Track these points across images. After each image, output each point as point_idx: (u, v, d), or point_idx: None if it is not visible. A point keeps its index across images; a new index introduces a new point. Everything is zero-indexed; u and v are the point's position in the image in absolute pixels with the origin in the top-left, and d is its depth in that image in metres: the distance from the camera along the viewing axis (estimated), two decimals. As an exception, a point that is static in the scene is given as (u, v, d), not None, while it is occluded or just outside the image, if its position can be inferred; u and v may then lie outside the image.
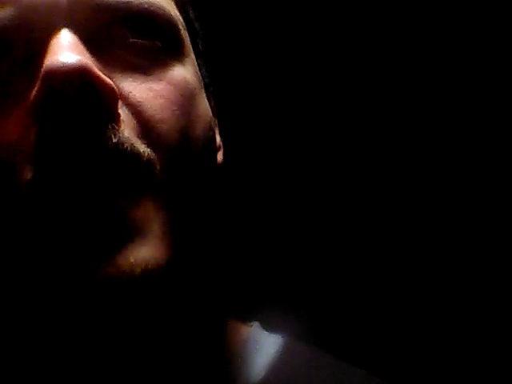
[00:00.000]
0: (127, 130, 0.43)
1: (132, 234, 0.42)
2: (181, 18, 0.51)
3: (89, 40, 0.45)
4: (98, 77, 0.42)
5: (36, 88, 0.43)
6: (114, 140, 0.42)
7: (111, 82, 0.43)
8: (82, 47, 0.44)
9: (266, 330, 0.57)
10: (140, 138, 0.44)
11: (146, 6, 0.47)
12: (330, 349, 0.57)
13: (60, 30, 0.44)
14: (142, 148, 0.43)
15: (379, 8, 1.00)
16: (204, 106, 0.50)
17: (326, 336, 0.75)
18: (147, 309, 0.44)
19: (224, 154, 0.56)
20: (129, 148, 0.42)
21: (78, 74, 0.41)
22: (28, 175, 0.42)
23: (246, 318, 0.58)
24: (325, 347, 0.57)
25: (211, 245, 0.52)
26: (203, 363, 0.51)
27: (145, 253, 0.42)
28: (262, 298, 0.93)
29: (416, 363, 0.96)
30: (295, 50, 1.01)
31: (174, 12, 0.50)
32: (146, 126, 0.44)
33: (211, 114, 0.52)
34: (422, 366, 0.96)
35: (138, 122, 0.44)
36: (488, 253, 0.98)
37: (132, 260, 0.41)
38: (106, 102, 0.42)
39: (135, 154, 0.43)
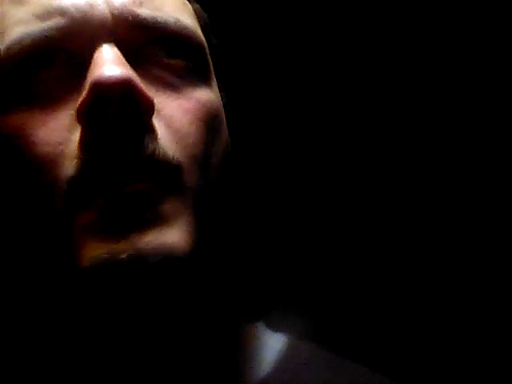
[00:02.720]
0: (160, 139, 0.47)
1: (160, 222, 0.46)
2: (206, 43, 0.55)
3: (129, 55, 0.49)
4: (140, 90, 0.46)
5: (83, 95, 0.46)
6: (150, 147, 0.47)
7: (150, 96, 0.47)
8: (125, 62, 0.48)
9: (271, 329, 0.58)
10: (170, 147, 0.48)
11: (181, 28, 0.52)
12: (333, 347, 0.58)
13: (104, 44, 0.49)
14: (172, 155, 0.48)
15: (381, 8, 1.00)
16: (224, 124, 0.55)
17: (328, 334, 0.75)
18: (167, 294, 0.47)
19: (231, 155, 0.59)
20: (161, 155, 0.47)
21: (122, 85, 0.46)
22: (70, 172, 0.46)
23: (252, 318, 0.58)
24: (328, 345, 0.58)
25: (226, 243, 0.55)
26: (211, 359, 0.52)
27: (170, 238, 0.46)
28: (267, 297, 0.94)
29: (417, 362, 0.97)
30: (295, 50, 1.01)
31: (202, 37, 0.55)
32: (175, 137, 0.49)
33: (227, 131, 0.56)
34: (422, 365, 0.97)
35: (169, 133, 0.49)
36: (488, 253, 0.98)
37: (158, 241, 0.46)
38: (144, 112, 0.47)
39: (166, 160, 0.47)
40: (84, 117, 0.46)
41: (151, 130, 0.47)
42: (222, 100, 0.56)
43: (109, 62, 0.47)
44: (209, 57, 0.55)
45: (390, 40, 1.00)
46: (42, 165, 0.47)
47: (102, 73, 0.46)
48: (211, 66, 0.55)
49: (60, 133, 0.47)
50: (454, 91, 1.00)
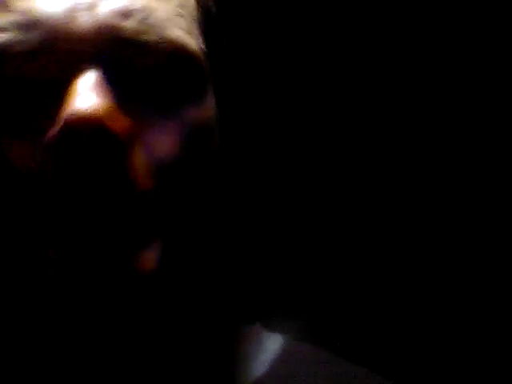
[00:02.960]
0: (137, 169, 0.46)
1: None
2: (204, 45, 0.52)
3: (111, 73, 0.47)
4: (114, 126, 0.45)
5: (56, 128, 0.45)
6: (122, 182, 0.45)
7: (127, 127, 0.46)
8: (104, 89, 0.46)
9: (268, 330, 0.58)
10: (148, 174, 0.47)
11: (170, 44, 0.49)
12: (331, 348, 0.58)
13: (85, 65, 0.47)
14: (148, 185, 0.46)
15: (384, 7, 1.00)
16: (214, 140, 0.52)
17: (326, 335, 0.75)
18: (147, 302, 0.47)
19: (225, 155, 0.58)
20: (136, 188, 0.46)
21: (95, 121, 0.44)
22: (44, 199, 0.45)
23: (249, 319, 0.58)
24: (325, 346, 0.58)
25: (218, 243, 0.54)
26: (207, 359, 0.52)
27: (150, 257, 0.46)
28: (264, 298, 0.94)
29: (416, 362, 0.96)
30: (296, 50, 1.01)
31: (199, 45, 0.51)
32: (156, 161, 0.47)
33: (217, 143, 0.54)
34: (421, 365, 0.96)
35: (149, 156, 0.47)
36: (488, 252, 0.98)
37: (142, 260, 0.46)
38: (118, 146, 0.45)
39: (141, 193, 0.46)
40: (53, 151, 0.45)
41: (126, 162, 0.46)
42: (218, 104, 0.54)
43: (85, 94, 0.45)
44: (205, 68, 0.51)
45: (390, 39, 1.00)
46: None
47: (76, 107, 0.44)
48: (204, 76, 0.51)
49: (32, 157, 0.46)
50: (454, 91, 1.00)
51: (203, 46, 0.52)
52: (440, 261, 0.98)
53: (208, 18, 0.55)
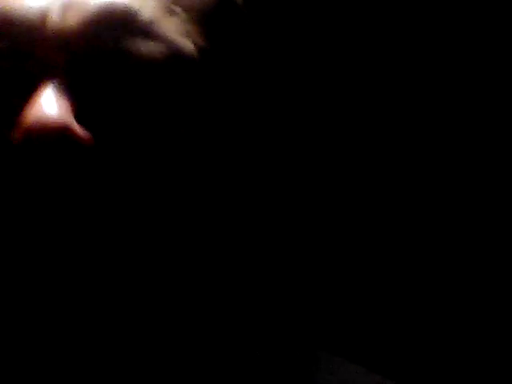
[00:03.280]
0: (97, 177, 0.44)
1: None
2: (207, 42, 0.48)
3: (82, 80, 0.45)
4: (74, 134, 0.43)
5: (17, 133, 0.44)
6: (82, 191, 0.44)
7: (86, 136, 0.44)
8: (67, 97, 0.44)
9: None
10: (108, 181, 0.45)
11: (154, 49, 0.45)
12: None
13: (54, 72, 0.45)
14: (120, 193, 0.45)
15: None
16: (214, 142, 0.49)
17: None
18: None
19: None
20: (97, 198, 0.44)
21: (55, 130, 0.42)
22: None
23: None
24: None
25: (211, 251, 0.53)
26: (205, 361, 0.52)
27: None
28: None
29: (415, 362, 0.96)
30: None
31: (196, 44, 0.47)
32: (134, 168, 0.45)
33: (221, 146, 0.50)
34: (421, 366, 0.96)
35: (122, 164, 0.45)
36: (488, 252, 0.98)
37: None
38: (79, 154, 0.43)
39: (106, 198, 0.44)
40: (18, 155, 0.44)
41: (86, 170, 0.44)
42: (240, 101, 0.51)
43: (46, 103, 0.43)
44: (194, 70, 0.46)
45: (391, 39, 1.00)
46: None
47: (36, 116, 0.43)
48: (197, 79, 0.47)
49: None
50: (455, 91, 1.00)
51: (205, 44, 0.48)
52: (440, 261, 0.98)
53: (228, 11, 0.50)
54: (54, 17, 0.45)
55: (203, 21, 0.48)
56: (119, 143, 0.45)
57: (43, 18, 0.45)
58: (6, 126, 0.45)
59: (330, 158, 1.01)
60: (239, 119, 0.49)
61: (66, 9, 0.45)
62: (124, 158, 0.45)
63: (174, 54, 0.46)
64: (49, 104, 0.43)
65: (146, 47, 0.45)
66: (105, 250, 0.45)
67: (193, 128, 0.46)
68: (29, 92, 0.45)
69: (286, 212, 1.03)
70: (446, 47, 0.99)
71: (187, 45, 0.46)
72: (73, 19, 0.45)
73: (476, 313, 0.97)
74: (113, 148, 0.45)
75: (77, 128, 0.44)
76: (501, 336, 0.96)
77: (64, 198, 0.44)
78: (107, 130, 0.45)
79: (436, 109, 1.00)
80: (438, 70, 1.00)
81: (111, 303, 0.46)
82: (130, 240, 0.45)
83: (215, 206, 0.48)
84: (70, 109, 0.44)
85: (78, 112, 0.45)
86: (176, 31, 0.46)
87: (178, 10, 0.47)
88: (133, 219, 0.45)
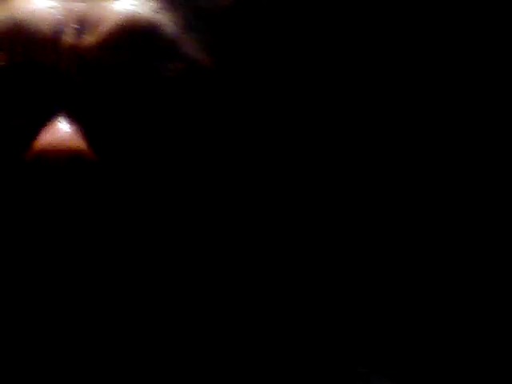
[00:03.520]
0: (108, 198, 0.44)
1: None
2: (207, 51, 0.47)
3: (94, 103, 0.44)
4: (85, 158, 0.43)
5: (31, 153, 0.43)
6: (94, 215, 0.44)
7: (97, 164, 0.43)
8: (79, 121, 0.44)
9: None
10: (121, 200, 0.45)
11: (171, 72, 0.44)
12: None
13: (67, 85, 0.43)
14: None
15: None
16: (219, 148, 0.48)
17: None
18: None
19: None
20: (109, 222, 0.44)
21: (67, 154, 0.42)
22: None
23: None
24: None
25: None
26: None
27: None
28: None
29: (415, 363, 0.96)
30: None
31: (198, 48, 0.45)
32: (141, 181, 0.45)
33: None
34: (421, 366, 0.96)
35: (128, 180, 0.45)
36: (488, 253, 0.98)
37: None
38: (89, 176, 0.43)
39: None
40: (28, 177, 0.44)
41: (98, 194, 0.44)
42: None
43: (58, 131, 0.43)
44: (207, 82, 0.46)
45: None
46: None
47: (48, 142, 0.43)
48: (206, 90, 0.46)
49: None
50: (455, 91, 1.00)
51: (225, 54, 0.46)
52: (440, 262, 0.98)
53: (251, 19, 0.49)
54: (71, 30, 0.44)
55: (224, 31, 0.47)
56: (135, 162, 0.44)
57: (58, 33, 0.44)
58: (20, 143, 0.44)
59: (333, 159, 1.01)
60: (256, 129, 0.49)
61: (83, 22, 0.44)
62: (138, 176, 0.45)
63: (194, 72, 0.45)
64: (62, 128, 0.43)
65: (167, 65, 0.44)
66: (107, 254, 0.45)
67: (210, 147, 0.45)
68: (44, 111, 0.44)
69: (290, 213, 1.02)
70: (446, 47, 0.99)
71: (206, 60, 0.46)
72: (91, 34, 0.44)
73: (476, 313, 0.97)
74: (127, 167, 0.44)
75: (88, 151, 0.43)
76: (501, 336, 0.96)
77: (74, 216, 0.44)
78: (123, 149, 0.44)
79: (436, 109, 1.00)
80: (438, 70, 1.00)
81: (112, 304, 0.46)
82: (132, 245, 0.45)
83: (221, 213, 0.48)
84: (82, 132, 0.43)
85: (94, 131, 0.44)
86: (196, 47, 0.45)
87: (201, 25, 0.46)
88: (136, 233, 0.45)
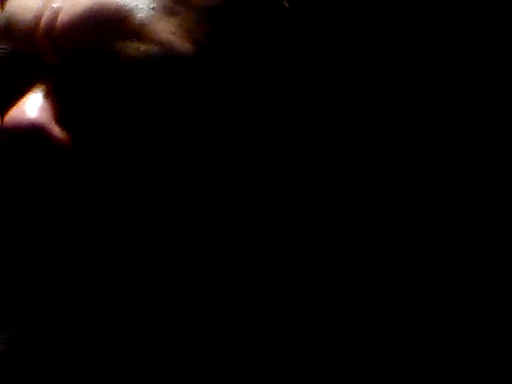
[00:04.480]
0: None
1: None
2: (216, 42, 0.46)
3: (69, 80, 0.46)
4: (50, 135, 0.44)
5: (1, 132, 0.45)
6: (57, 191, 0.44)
7: (64, 137, 0.44)
8: (50, 101, 0.45)
9: None
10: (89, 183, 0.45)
11: (145, 51, 0.45)
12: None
13: (42, 72, 0.46)
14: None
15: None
16: (208, 143, 0.47)
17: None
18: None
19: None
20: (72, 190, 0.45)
21: (30, 131, 0.44)
22: None
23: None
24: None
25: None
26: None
27: None
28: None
29: (415, 364, 0.96)
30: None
31: (196, 45, 0.46)
32: (120, 168, 0.46)
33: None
34: (421, 367, 0.96)
35: (106, 165, 0.45)
36: (488, 253, 0.98)
37: None
38: (54, 154, 0.45)
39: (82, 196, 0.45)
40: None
41: (64, 171, 0.45)
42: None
43: (28, 106, 0.45)
44: (191, 70, 0.45)
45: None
46: None
47: (14, 117, 0.45)
48: (193, 79, 0.45)
49: None
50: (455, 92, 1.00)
51: (210, 43, 0.46)
52: (440, 262, 0.98)
53: (243, 10, 0.48)
54: (46, 18, 0.46)
55: (212, 20, 0.47)
56: (105, 143, 0.45)
57: (38, 20, 0.46)
58: None
59: (332, 158, 1.01)
60: (239, 119, 0.47)
61: (57, 10, 0.46)
62: (110, 157, 0.45)
63: (166, 55, 0.45)
64: (29, 106, 0.44)
65: (136, 48, 0.44)
66: (85, 246, 0.45)
67: (184, 127, 0.45)
68: (20, 93, 0.46)
69: (287, 211, 1.02)
70: (445, 47, 0.99)
71: (183, 44, 0.45)
72: (62, 20, 0.45)
73: (476, 313, 0.97)
74: (97, 148, 0.45)
75: (54, 129, 0.44)
76: (501, 336, 0.96)
77: (37, 194, 0.44)
78: (93, 129, 0.45)
79: (436, 109, 1.00)
80: (438, 70, 1.00)
81: (111, 303, 0.46)
82: (115, 237, 0.45)
83: (209, 204, 0.48)
84: (51, 110, 0.45)
85: (65, 112, 0.45)
86: (172, 31, 0.45)
87: (180, 9, 0.46)
88: (120, 215, 0.45)
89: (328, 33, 0.55)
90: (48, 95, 0.45)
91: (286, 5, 0.50)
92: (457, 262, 0.98)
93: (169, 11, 0.46)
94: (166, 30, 0.45)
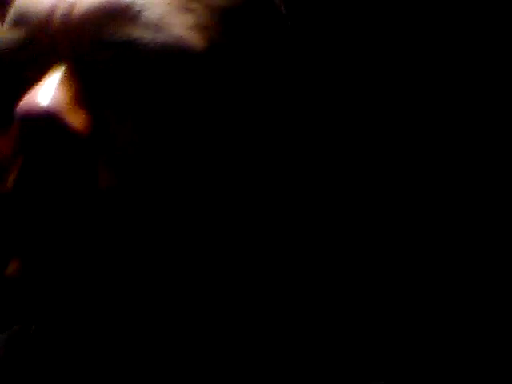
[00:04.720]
0: (95, 165, 0.45)
1: None
2: (227, 40, 0.48)
3: (83, 71, 0.46)
4: (63, 122, 0.44)
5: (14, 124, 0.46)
6: (78, 180, 0.44)
7: (78, 124, 0.45)
8: (64, 88, 0.45)
9: None
10: (111, 171, 0.45)
11: (158, 45, 0.46)
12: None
13: (56, 62, 0.46)
14: (110, 182, 0.45)
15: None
16: (213, 141, 0.48)
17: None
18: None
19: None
20: (95, 184, 0.44)
21: (43, 118, 0.44)
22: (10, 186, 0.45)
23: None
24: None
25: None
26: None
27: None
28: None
29: (415, 364, 0.96)
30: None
31: (209, 42, 0.47)
32: (127, 158, 0.45)
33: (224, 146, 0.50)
34: (421, 367, 0.96)
35: (117, 154, 0.45)
36: (488, 253, 0.98)
37: None
38: (68, 140, 0.44)
39: (101, 189, 0.45)
40: (19, 146, 0.46)
41: (79, 159, 0.45)
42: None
43: (44, 87, 0.45)
44: (203, 66, 0.46)
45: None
46: None
47: (26, 103, 0.44)
48: (205, 74, 0.46)
49: (7, 149, 0.47)
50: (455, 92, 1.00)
51: (223, 40, 0.47)
52: (440, 263, 0.98)
53: (256, 10, 0.50)
54: (62, 9, 0.46)
55: (225, 20, 0.48)
56: (119, 132, 0.45)
57: (53, 10, 0.47)
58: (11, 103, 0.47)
59: (333, 159, 1.01)
60: (241, 118, 0.48)
61: (73, 1, 0.47)
62: (123, 146, 0.45)
63: (182, 49, 0.46)
64: (42, 93, 0.44)
65: (153, 39, 0.45)
66: (94, 246, 0.45)
67: (194, 119, 0.46)
68: (32, 82, 0.47)
69: (289, 212, 1.02)
70: (446, 47, 0.99)
71: (198, 41, 0.47)
72: (80, 10, 0.46)
73: (476, 313, 0.97)
74: (112, 137, 0.45)
75: (68, 116, 0.44)
76: (501, 336, 0.96)
77: (50, 181, 0.44)
78: (107, 115, 0.46)
79: (436, 109, 1.00)
80: (438, 70, 1.00)
81: (111, 303, 0.46)
82: (121, 236, 0.45)
83: (210, 203, 0.48)
84: (65, 98, 0.45)
85: (80, 99, 0.46)
86: (186, 27, 0.47)
87: (195, 6, 0.48)
88: (127, 213, 0.45)
89: (323, 39, 0.57)
90: (62, 83, 0.45)
91: (283, 10, 0.52)
92: (457, 262, 0.98)
93: (184, 7, 0.47)
94: (183, 25, 0.46)
